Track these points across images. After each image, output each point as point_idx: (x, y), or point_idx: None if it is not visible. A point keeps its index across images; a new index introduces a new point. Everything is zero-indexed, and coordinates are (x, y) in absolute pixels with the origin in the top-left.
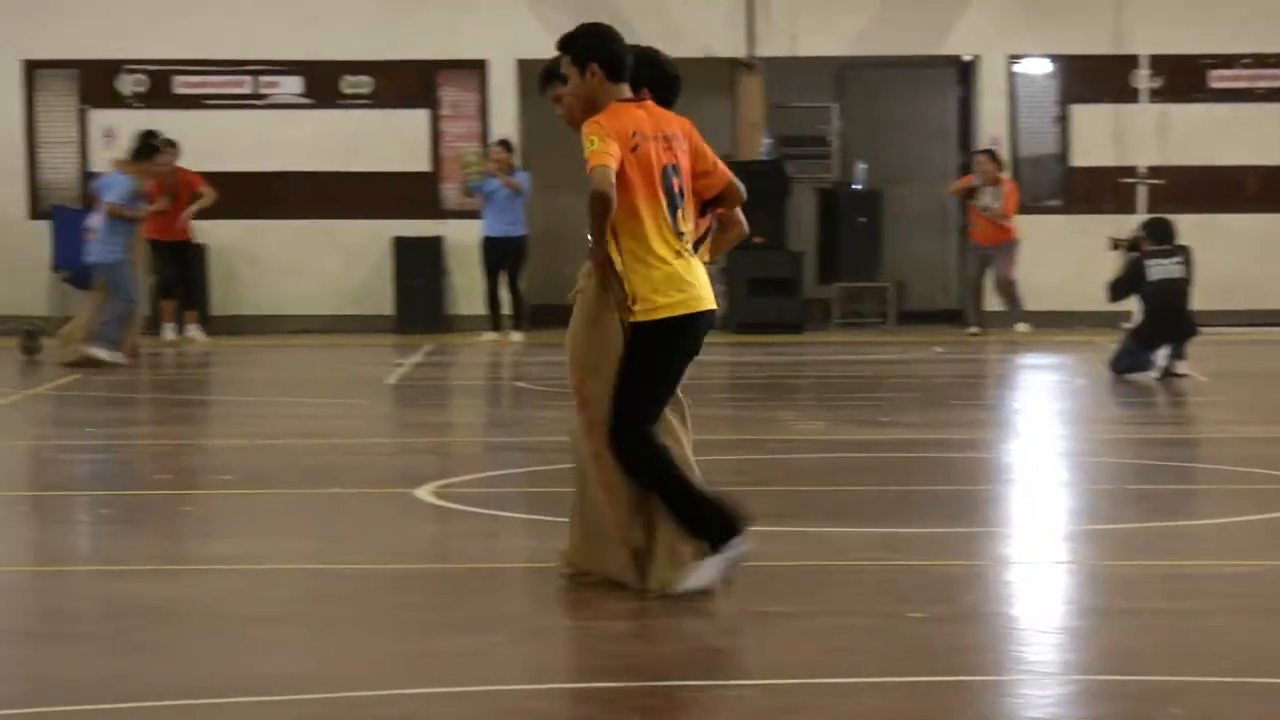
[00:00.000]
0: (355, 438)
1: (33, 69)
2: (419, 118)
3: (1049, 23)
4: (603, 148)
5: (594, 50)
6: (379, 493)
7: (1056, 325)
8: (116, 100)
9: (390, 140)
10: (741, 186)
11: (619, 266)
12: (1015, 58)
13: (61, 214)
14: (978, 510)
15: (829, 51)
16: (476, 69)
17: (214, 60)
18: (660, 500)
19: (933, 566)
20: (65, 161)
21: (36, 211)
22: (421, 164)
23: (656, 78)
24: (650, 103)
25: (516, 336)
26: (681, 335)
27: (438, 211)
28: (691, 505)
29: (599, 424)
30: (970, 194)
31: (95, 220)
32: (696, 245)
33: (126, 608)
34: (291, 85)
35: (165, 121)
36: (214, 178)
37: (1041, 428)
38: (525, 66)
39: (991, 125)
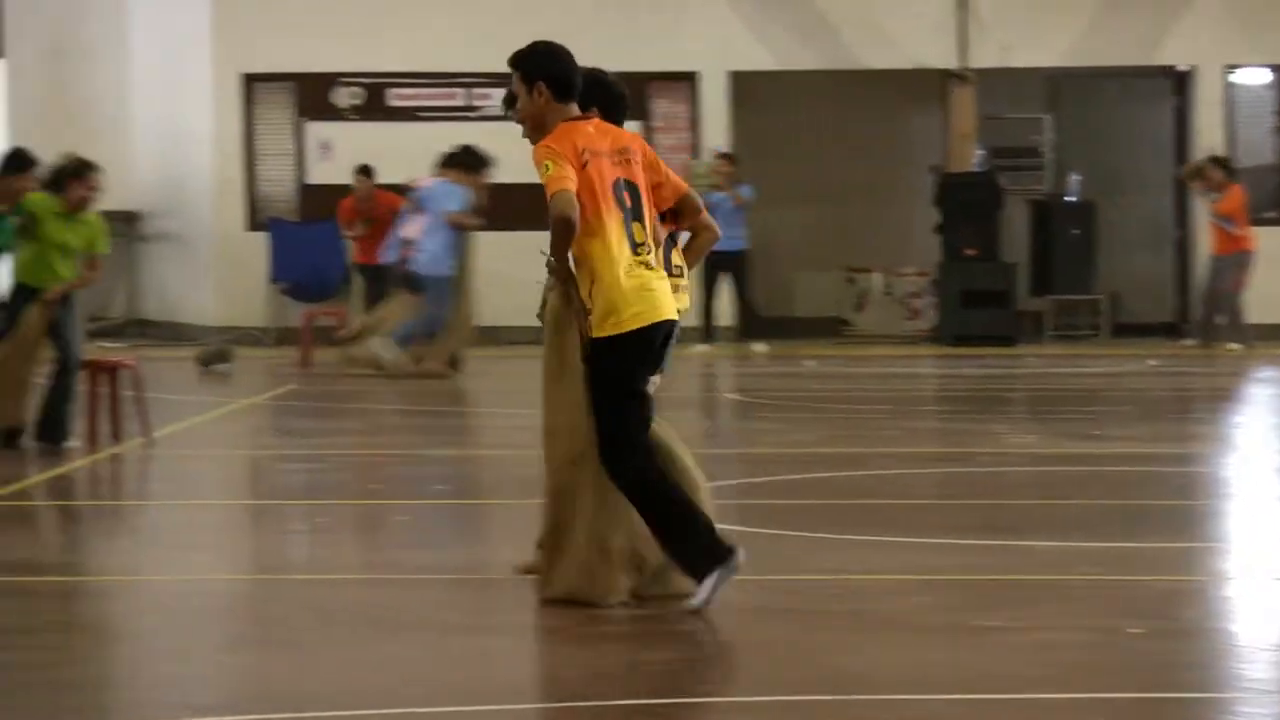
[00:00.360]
0: None
1: (251, 82)
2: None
3: (1267, 32)
4: (559, 172)
5: (542, 69)
6: None
7: (1277, 338)
8: (332, 113)
9: None
10: (698, 198)
11: (578, 281)
12: (1231, 67)
13: (279, 226)
14: (1194, 525)
15: (1042, 62)
16: (688, 81)
17: (428, 73)
18: (652, 518)
19: (1150, 581)
20: (282, 174)
21: (254, 223)
22: None
23: (605, 99)
24: (598, 120)
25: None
26: (642, 347)
27: None
28: (686, 524)
29: (563, 435)
30: (1195, 175)
31: (413, 230)
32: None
33: (342, 616)
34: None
35: (379, 134)
36: None
37: (1258, 442)
38: (737, 78)
39: (1207, 136)
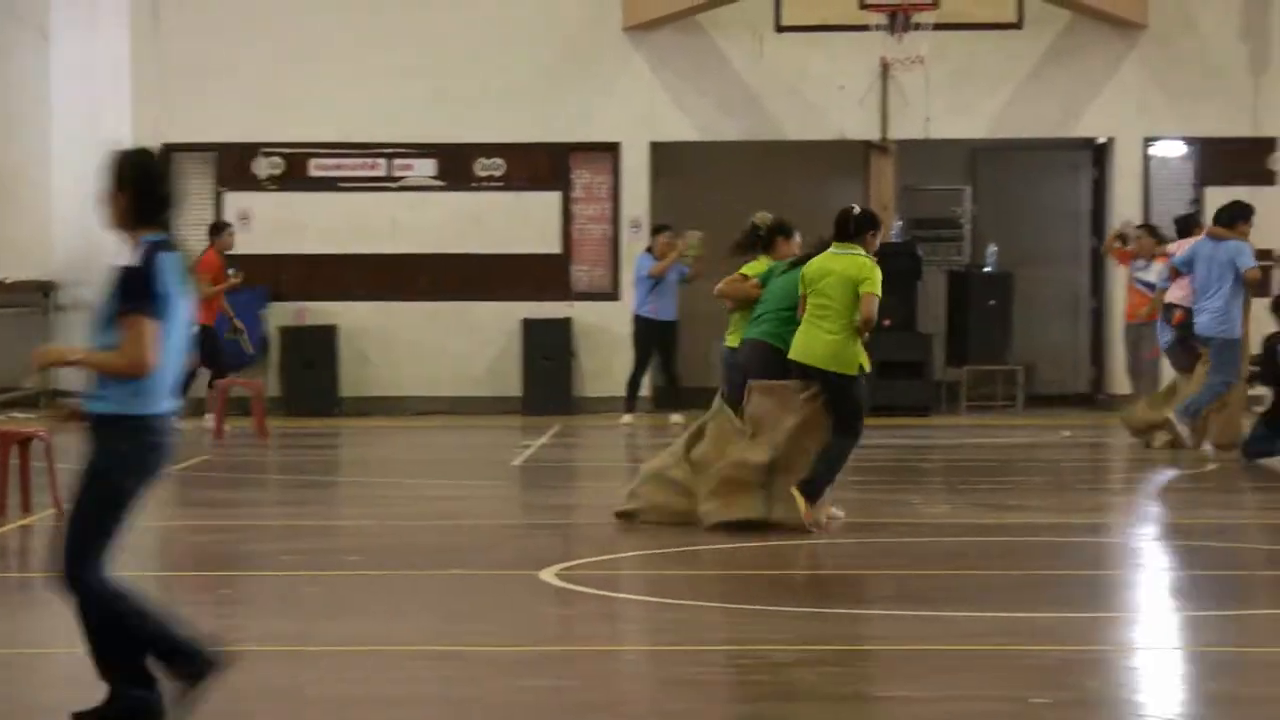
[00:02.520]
0: (481, 519)
1: (170, 152)
2: (551, 200)
3: (1185, 105)
4: None
5: None
6: (504, 574)
7: None
8: (252, 183)
9: (522, 222)
10: None
11: None
12: (1150, 139)
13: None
14: (1103, 595)
15: (962, 134)
16: (609, 151)
17: (349, 143)
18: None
19: (1057, 651)
20: (200, 244)
21: None
22: (553, 246)
23: None
24: None
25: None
26: None
27: (568, 293)
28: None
29: None
30: (1123, 237)
31: (1179, 294)
32: None
33: (249, 690)
34: (425, 168)
35: (299, 204)
36: (347, 259)
37: (1167, 512)
38: (658, 149)
39: (1125, 207)
